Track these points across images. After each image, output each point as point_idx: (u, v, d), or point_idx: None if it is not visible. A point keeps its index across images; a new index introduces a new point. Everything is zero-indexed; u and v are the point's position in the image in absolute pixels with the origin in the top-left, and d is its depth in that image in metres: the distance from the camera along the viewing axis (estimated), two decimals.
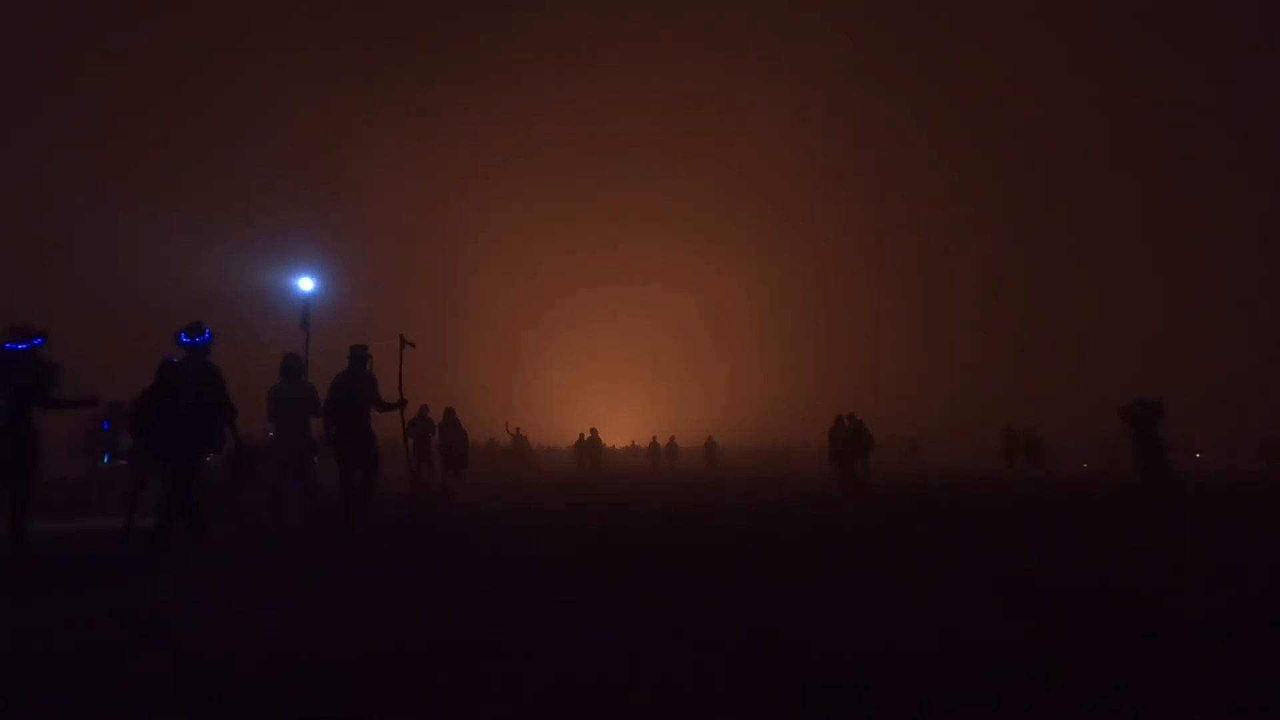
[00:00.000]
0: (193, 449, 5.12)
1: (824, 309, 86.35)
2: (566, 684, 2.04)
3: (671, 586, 3.55)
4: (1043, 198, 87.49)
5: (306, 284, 13.14)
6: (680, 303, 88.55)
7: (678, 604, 3.12)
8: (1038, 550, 4.78)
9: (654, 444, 31.97)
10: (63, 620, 2.93)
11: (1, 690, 2.06)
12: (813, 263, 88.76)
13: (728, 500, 10.47)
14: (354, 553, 4.87)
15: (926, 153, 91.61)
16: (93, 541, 5.86)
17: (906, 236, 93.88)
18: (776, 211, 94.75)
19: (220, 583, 3.76)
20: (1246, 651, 2.33)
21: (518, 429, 27.34)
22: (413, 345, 7.80)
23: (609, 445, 35.10)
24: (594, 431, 28.28)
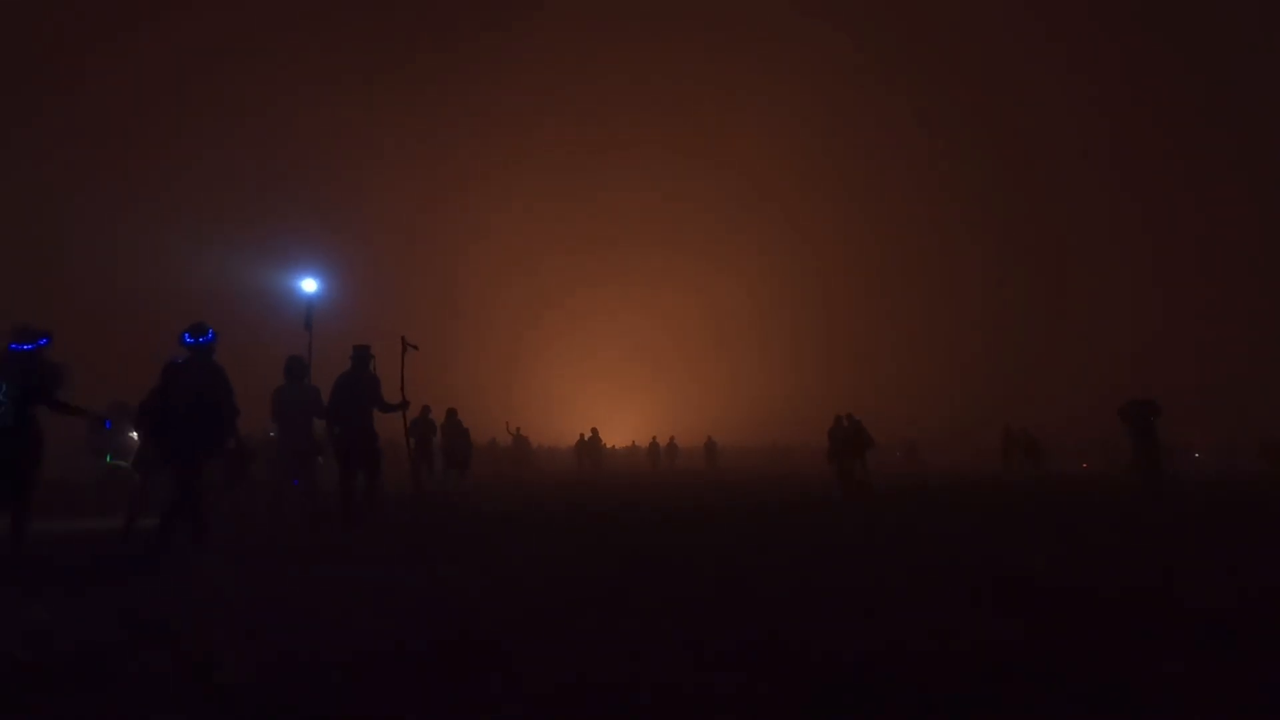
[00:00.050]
0: (196, 449, 5.12)
1: (824, 309, 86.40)
2: (567, 684, 2.05)
3: (672, 587, 3.55)
4: (1042, 198, 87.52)
5: (310, 285, 13.15)
6: (680, 303, 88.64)
7: (678, 604, 3.13)
8: (1035, 550, 4.78)
9: (654, 444, 31.97)
10: (63, 620, 2.93)
11: (1, 690, 2.06)
12: (812, 263, 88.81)
13: (727, 500, 10.47)
14: (354, 553, 4.87)
15: (926, 153, 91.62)
16: (93, 541, 5.87)
17: (906, 236, 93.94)
18: (776, 212, 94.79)
19: (220, 583, 3.77)
20: (1246, 651, 2.33)
21: (518, 429, 27.35)
22: (415, 347, 7.80)
23: (609, 445, 35.10)
24: (594, 431, 28.29)
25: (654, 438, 32.34)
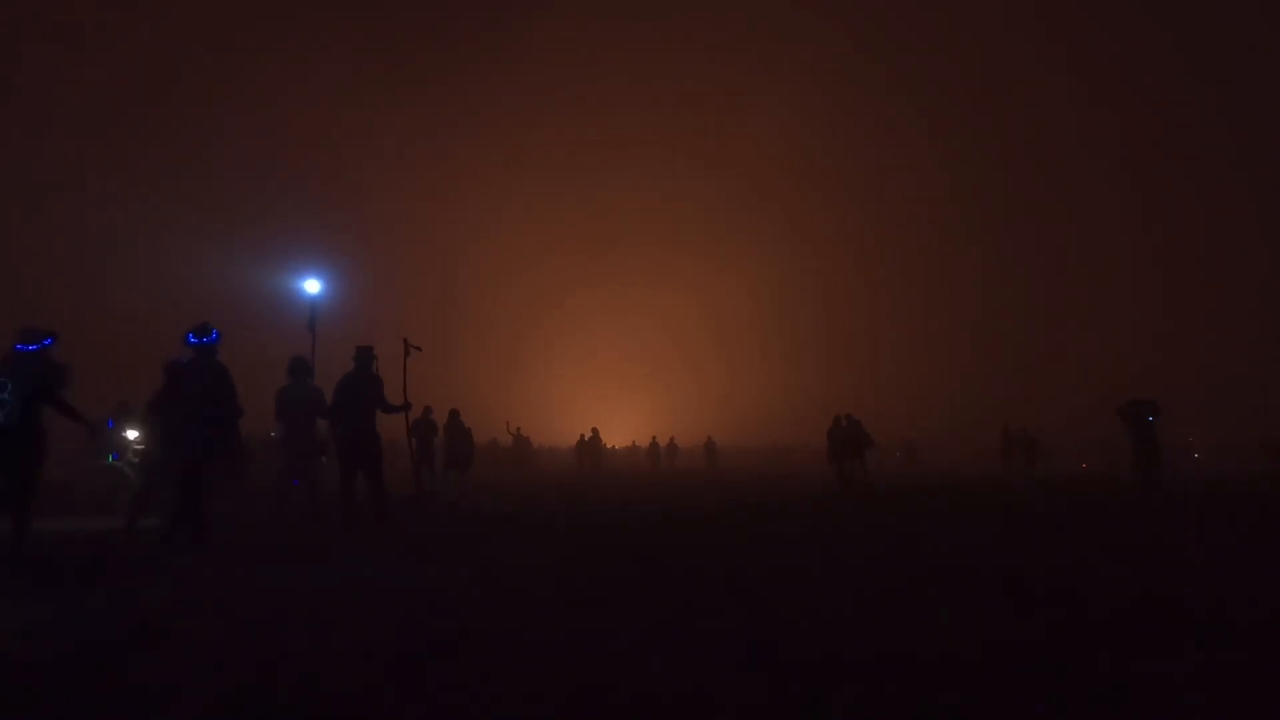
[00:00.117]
0: (200, 449, 5.16)
1: (824, 309, 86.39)
2: (567, 685, 2.06)
3: (672, 587, 3.56)
4: (1042, 198, 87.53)
5: (313, 286, 13.19)
6: (680, 303, 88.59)
7: (679, 604, 3.14)
8: (1034, 550, 4.79)
9: (654, 444, 32.00)
10: (63, 620, 2.92)
11: (1, 690, 2.06)
12: (812, 263, 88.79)
13: (727, 500, 10.49)
14: (355, 553, 4.88)
15: (926, 153, 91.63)
16: (93, 541, 5.87)
17: (906, 236, 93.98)
18: (776, 212, 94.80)
19: (220, 583, 3.77)
20: (1247, 651, 2.34)
21: (518, 429, 27.39)
22: (418, 349, 7.82)
23: (609, 445, 35.13)
24: (595, 432, 28.31)
25: (654, 438, 32.36)
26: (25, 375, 4.79)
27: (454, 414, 12.53)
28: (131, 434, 8.95)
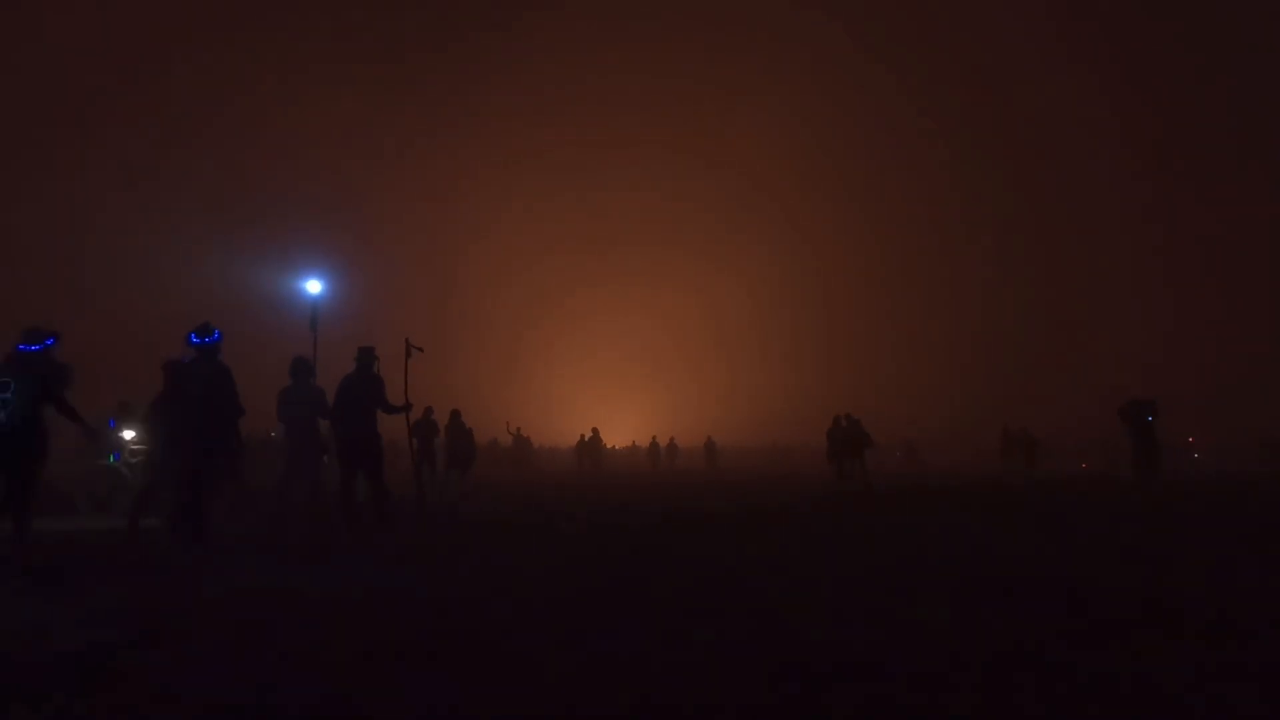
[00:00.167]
0: (202, 449, 5.18)
1: (824, 309, 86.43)
2: (568, 685, 2.06)
3: (673, 586, 3.58)
4: (1043, 198, 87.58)
5: (314, 286, 13.24)
6: (680, 303, 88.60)
7: (679, 604, 3.15)
8: (1033, 549, 4.81)
9: (654, 444, 32.02)
10: (63, 620, 2.92)
11: (2, 690, 2.06)
12: (813, 263, 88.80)
13: (726, 500, 10.51)
14: (355, 554, 4.89)
15: (927, 153, 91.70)
16: (93, 541, 5.88)
17: (907, 236, 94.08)
18: (776, 212, 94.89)
19: (220, 582, 3.78)
20: (1247, 650, 2.36)
21: (518, 429, 27.41)
22: (420, 350, 7.84)
23: (609, 445, 35.14)
24: (595, 432, 28.33)
25: (654, 438, 32.39)
26: (28, 375, 4.81)
27: (455, 414, 12.57)
28: (128, 434, 8.95)
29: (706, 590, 3.46)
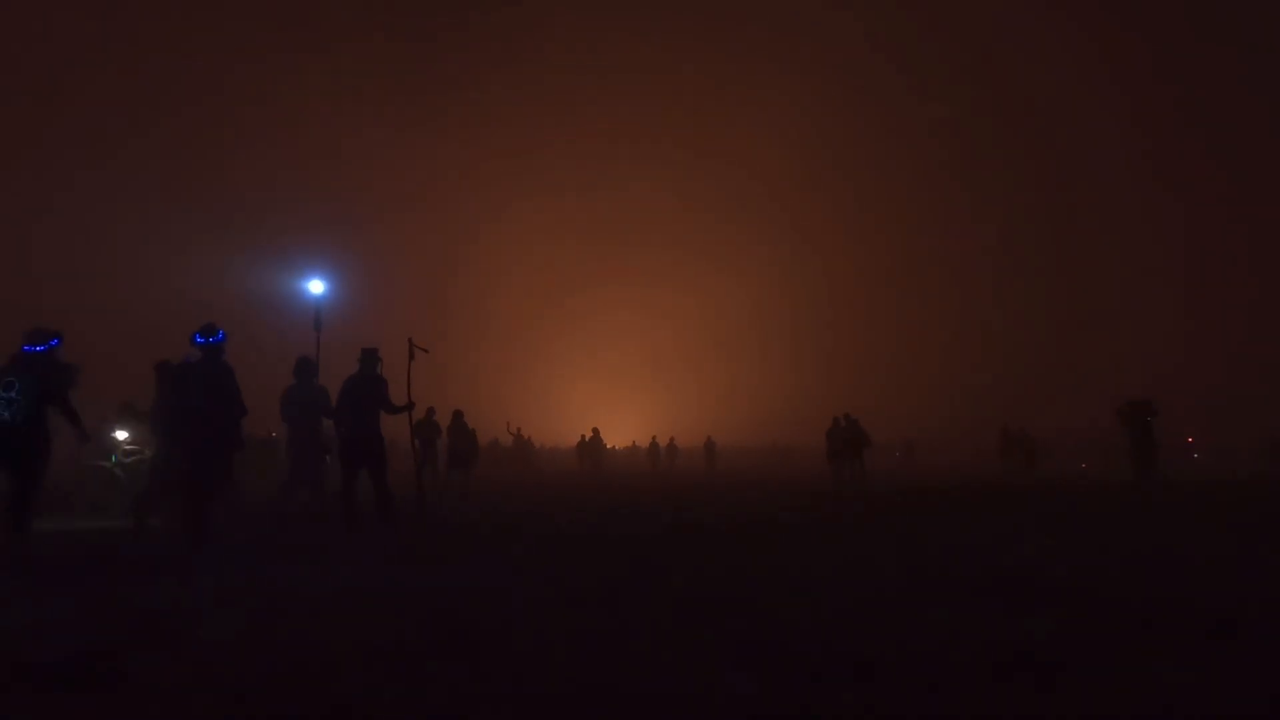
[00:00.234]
0: (207, 449, 5.21)
1: (824, 309, 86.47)
2: (568, 686, 2.07)
3: (672, 586, 3.59)
4: (1046, 201, 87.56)
5: (317, 286, 13.28)
6: (680, 303, 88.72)
7: (679, 603, 3.17)
8: (1032, 550, 4.82)
9: (654, 444, 32.02)
10: (63, 620, 2.91)
11: (1, 690, 2.05)
12: (813, 263, 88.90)
13: (726, 501, 10.53)
14: (356, 554, 4.90)
15: (929, 154, 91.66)
16: (93, 541, 5.88)
17: (907, 237, 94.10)
18: (778, 212, 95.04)
19: (221, 582, 3.79)
20: (1244, 650, 2.37)
21: (519, 429, 27.44)
22: (424, 350, 7.87)
23: (609, 445, 35.14)
24: (595, 432, 28.34)
25: (654, 438, 32.39)
26: (32, 376, 4.84)
27: (457, 415, 12.61)
28: (121, 434, 8.95)
29: (706, 591, 3.47)
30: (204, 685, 2.07)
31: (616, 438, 45.02)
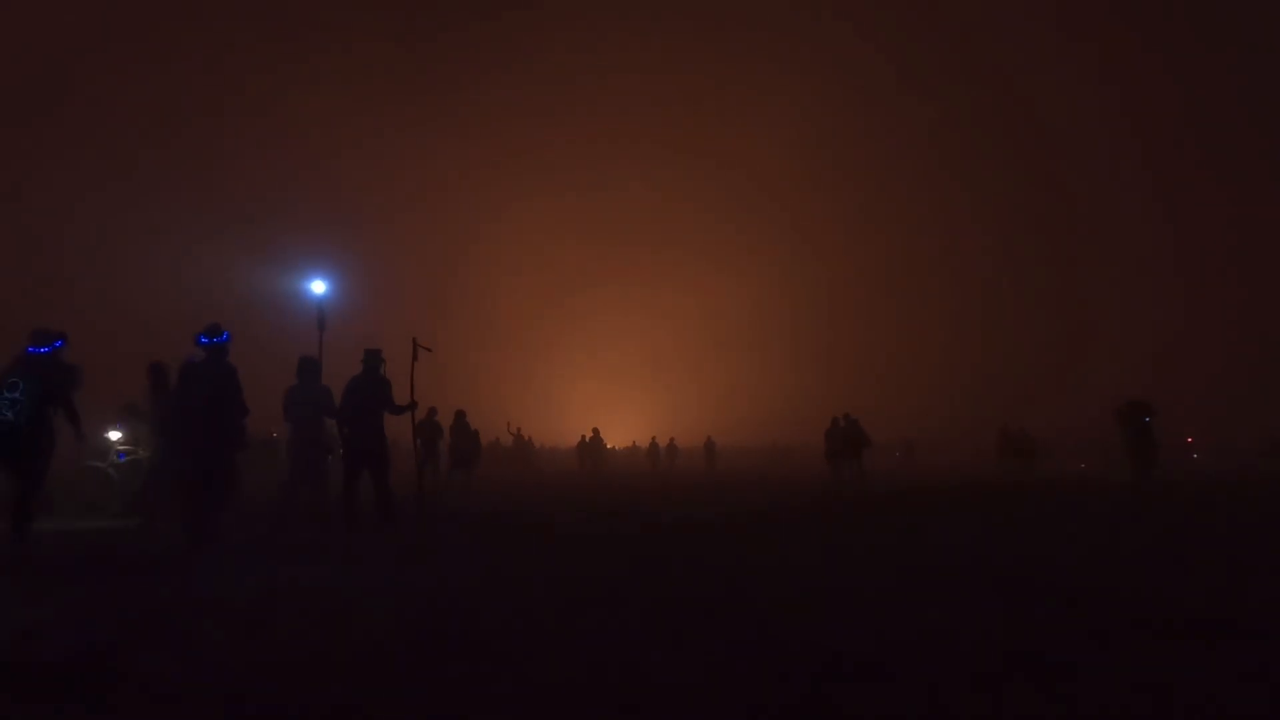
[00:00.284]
0: (212, 449, 5.24)
1: (824, 309, 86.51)
2: (569, 685, 2.08)
3: (673, 586, 3.60)
4: (1046, 201, 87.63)
5: (319, 287, 13.32)
6: (680, 303, 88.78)
7: (679, 603, 3.18)
8: (1031, 550, 4.82)
9: (654, 444, 32.03)
10: (63, 620, 2.92)
11: (1, 690, 2.05)
12: (813, 263, 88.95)
13: (726, 501, 10.55)
14: (357, 554, 4.91)
15: (929, 154, 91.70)
16: (92, 541, 5.89)
17: (907, 237, 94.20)
18: (778, 212, 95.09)
19: (222, 582, 3.80)
20: (1244, 650, 2.38)
21: (519, 429, 27.46)
22: (428, 349, 7.90)
23: (610, 446, 35.13)
24: (595, 432, 28.35)
25: (654, 438, 32.39)
26: (37, 376, 4.87)
27: (459, 415, 12.64)
28: (115, 434, 8.97)
29: (706, 591, 3.48)
30: (203, 685, 2.07)
31: (616, 438, 45.05)
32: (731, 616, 2.91)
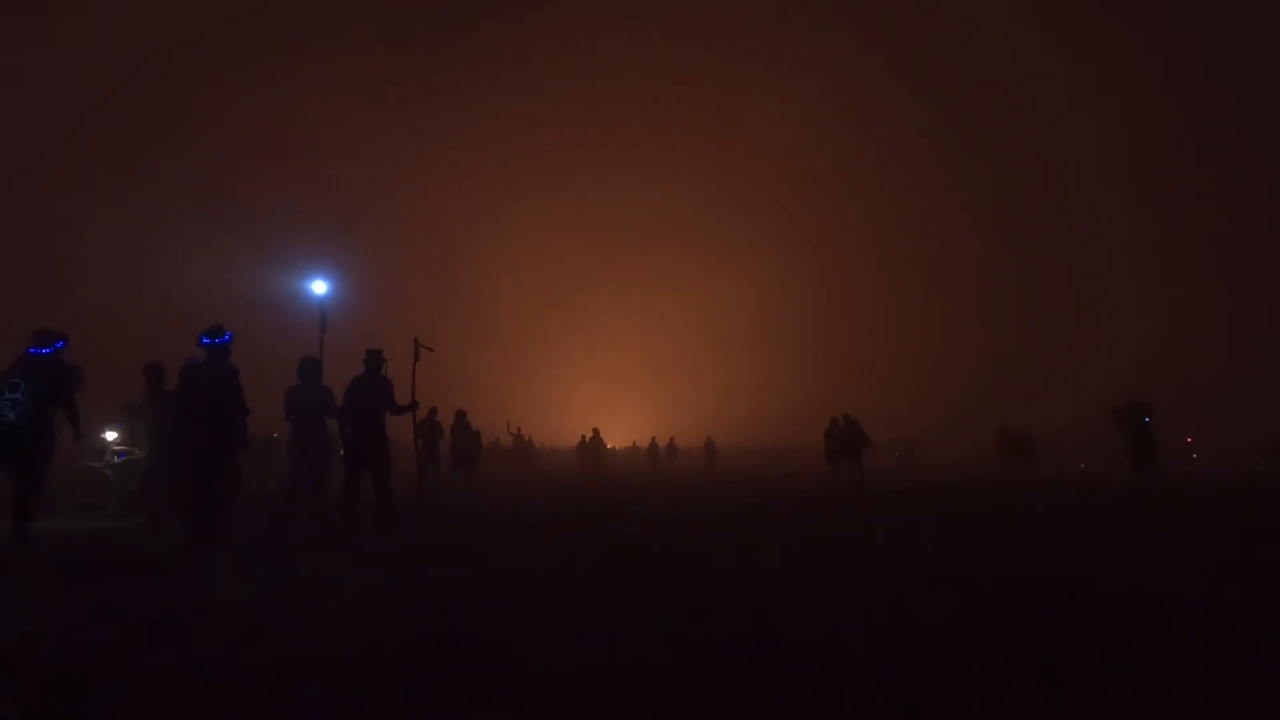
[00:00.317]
0: (214, 450, 5.25)
1: (824, 309, 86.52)
2: (569, 685, 2.08)
3: (673, 586, 3.61)
4: (1045, 199, 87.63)
5: (320, 287, 13.33)
6: (680, 303, 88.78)
7: (680, 603, 3.18)
8: (1030, 551, 4.82)
9: (654, 444, 32.04)
10: (63, 620, 2.92)
11: (1, 690, 2.06)
12: (813, 263, 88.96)
13: (726, 501, 10.56)
14: (358, 553, 4.92)
15: (928, 154, 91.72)
16: (92, 541, 5.89)
17: (907, 237, 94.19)
18: (778, 212, 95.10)
19: (222, 582, 3.80)
20: (1244, 651, 2.39)
21: (519, 429, 27.48)
22: (430, 349, 7.90)
23: (610, 446, 35.13)
24: (595, 432, 28.36)
25: (654, 438, 32.40)
26: (38, 377, 4.88)
27: (460, 415, 12.65)
28: (110, 435, 8.98)
29: (706, 591, 3.48)
30: (203, 686, 2.08)
31: (617, 438, 45.07)
32: (731, 616, 2.91)
